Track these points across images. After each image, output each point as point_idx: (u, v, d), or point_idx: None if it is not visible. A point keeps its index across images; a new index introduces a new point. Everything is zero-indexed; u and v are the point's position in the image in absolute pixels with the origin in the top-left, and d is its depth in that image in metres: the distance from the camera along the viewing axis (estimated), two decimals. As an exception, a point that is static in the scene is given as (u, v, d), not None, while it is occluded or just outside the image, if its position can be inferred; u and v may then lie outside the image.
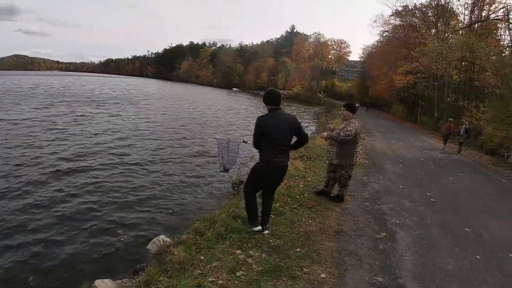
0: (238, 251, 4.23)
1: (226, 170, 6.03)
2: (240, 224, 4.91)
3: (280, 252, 4.29)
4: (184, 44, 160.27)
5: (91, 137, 16.67)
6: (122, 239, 6.89)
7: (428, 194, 8.04)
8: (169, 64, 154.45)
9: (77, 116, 22.83)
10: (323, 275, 3.82)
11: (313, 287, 3.61)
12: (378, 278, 3.92)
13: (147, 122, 23.65)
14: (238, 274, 3.71)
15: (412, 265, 4.36)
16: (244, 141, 5.89)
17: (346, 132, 5.87)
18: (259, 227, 4.71)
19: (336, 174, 6.45)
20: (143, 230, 7.31)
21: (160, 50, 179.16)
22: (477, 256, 4.84)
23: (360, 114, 36.64)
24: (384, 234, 5.24)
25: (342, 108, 6.46)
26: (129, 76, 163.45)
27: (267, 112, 4.49)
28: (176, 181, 10.80)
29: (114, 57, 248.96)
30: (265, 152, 4.43)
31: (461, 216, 6.69)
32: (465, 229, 5.94)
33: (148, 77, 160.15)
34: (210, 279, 3.56)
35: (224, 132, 21.85)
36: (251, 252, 4.22)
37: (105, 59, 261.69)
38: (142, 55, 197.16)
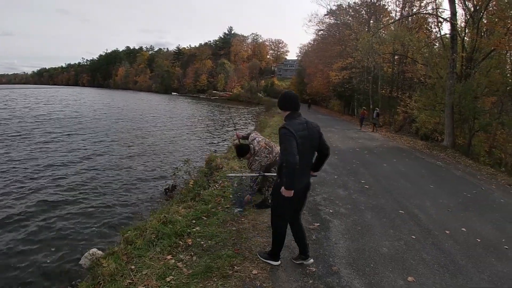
0: (169, 257, 4.16)
1: (242, 207, 5.72)
2: (171, 229, 4.80)
3: (212, 253, 4.23)
4: (120, 49, 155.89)
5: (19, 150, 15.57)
6: (54, 257, 6.49)
7: (362, 181, 8.32)
8: (105, 71, 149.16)
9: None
10: (254, 271, 3.81)
11: (244, 284, 3.60)
12: (312, 268, 3.96)
13: (76, 134, 21.87)
14: (168, 279, 3.65)
15: (346, 251, 4.46)
16: (262, 174, 5.48)
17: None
18: (279, 262, 4.01)
19: None
20: (77, 245, 6.93)
21: (95, 56, 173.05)
22: (413, 236, 5.04)
23: (302, 111, 37.41)
24: (318, 224, 5.33)
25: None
26: (64, 86, 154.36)
27: (285, 119, 3.71)
28: (109, 191, 10.35)
29: (47, 66, 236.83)
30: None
31: (395, 199, 6.97)
32: (400, 211, 6.19)
33: (83, 86, 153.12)
34: (140, 288, 3.49)
35: (170, 143, 21.32)
36: (181, 256, 4.16)
37: (38, 68, 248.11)
38: (77, 62, 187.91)
